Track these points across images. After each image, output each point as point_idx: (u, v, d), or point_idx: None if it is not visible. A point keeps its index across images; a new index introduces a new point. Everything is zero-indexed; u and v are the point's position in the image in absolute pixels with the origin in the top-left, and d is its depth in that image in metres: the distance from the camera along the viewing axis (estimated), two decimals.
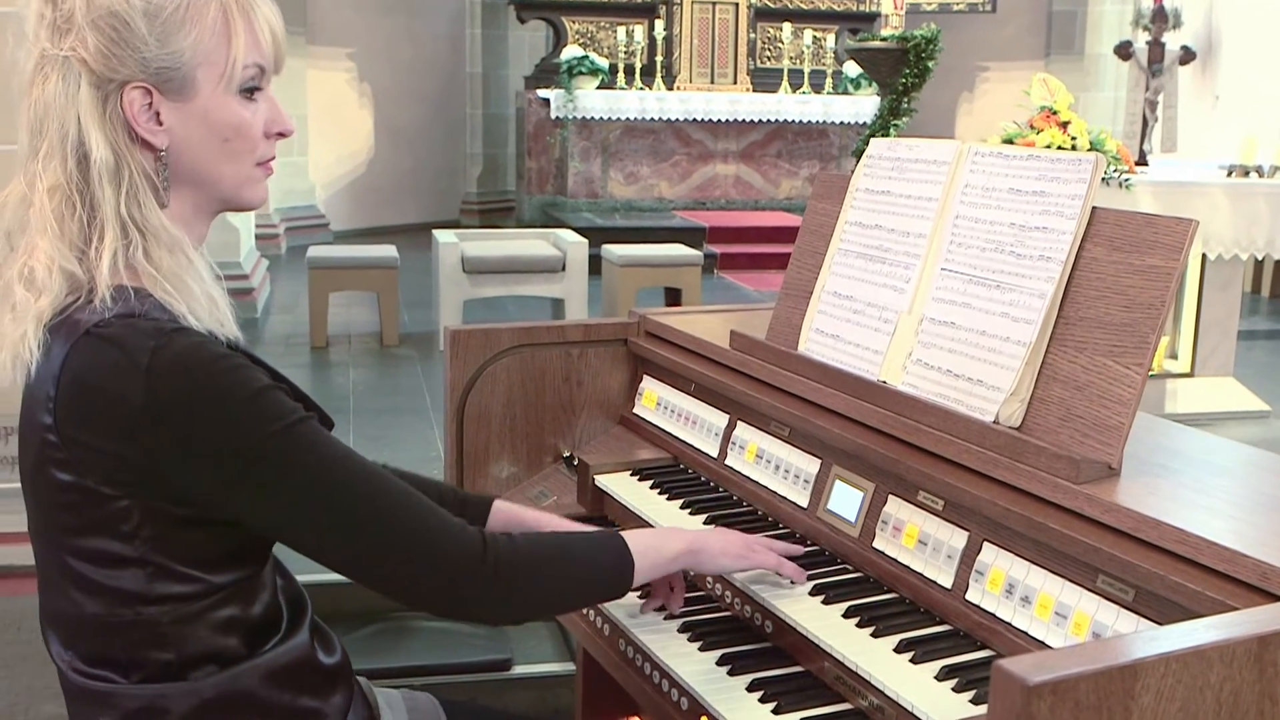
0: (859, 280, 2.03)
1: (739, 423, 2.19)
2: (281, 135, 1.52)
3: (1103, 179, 5.47)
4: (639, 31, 12.35)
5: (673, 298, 7.86)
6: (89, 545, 1.40)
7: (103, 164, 1.39)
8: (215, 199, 1.50)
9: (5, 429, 3.69)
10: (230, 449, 1.35)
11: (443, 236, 7.54)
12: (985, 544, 1.62)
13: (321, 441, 1.41)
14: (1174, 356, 6.27)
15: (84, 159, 1.39)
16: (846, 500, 1.88)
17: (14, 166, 1.47)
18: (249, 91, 1.47)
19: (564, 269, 7.41)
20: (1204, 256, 5.91)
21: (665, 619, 1.86)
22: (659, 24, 12.31)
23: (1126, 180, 5.51)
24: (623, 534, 1.64)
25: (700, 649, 1.77)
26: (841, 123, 12.13)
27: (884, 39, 6.22)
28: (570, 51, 11.99)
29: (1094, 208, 1.69)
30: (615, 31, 12.33)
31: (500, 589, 1.46)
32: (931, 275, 1.89)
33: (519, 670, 3.56)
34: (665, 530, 1.76)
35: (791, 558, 1.80)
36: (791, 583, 1.78)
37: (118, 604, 1.41)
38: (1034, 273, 1.72)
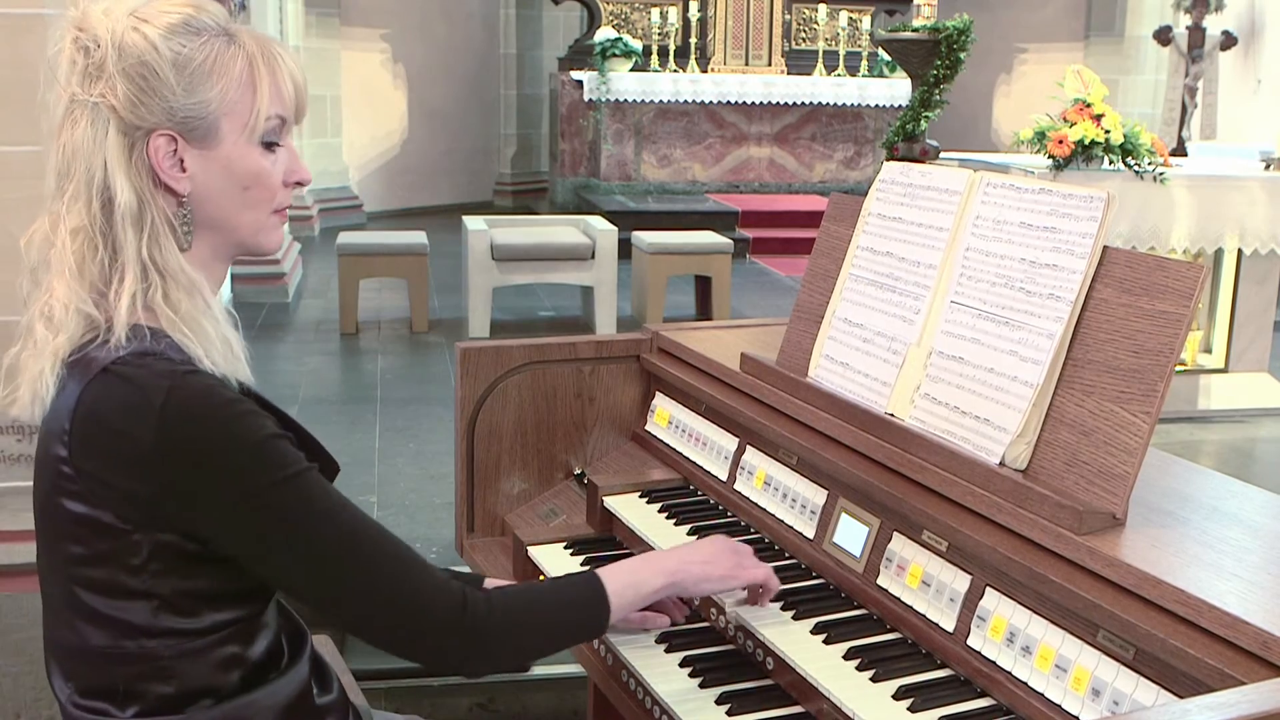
0: (869, 308, 2.00)
1: (748, 447, 2.17)
2: (299, 184, 1.55)
3: (1137, 172, 5.39)
4: (673, 13, 12.28)
5: (703, 285, 7.82)
6: (97, 576, 1.42)
7: (126, 207, 1.41)
8: (233, 243, 1.53)
9: (27, 428, 3.71)
10: (233, 495, 1.39)
11: (472, 223, 7.52)
12: (988, 589, 1.60)
13: (319, 494, 1.44)
14: (1208, 351, 6.17)
15: (109, 202, 1.41)
16: (852, 534, 1.86)
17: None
18: (270, 144, 1.50)
19: (594, 256, 7.40)
20: (1239, 251, 5.80)
21: (666, 651, 1.85)
22: (693, 5, 12.23)
23: (1161, 174, 5.43)
24: (601, 572, 1.65)
25: (700, 685, 1.76)
26: (876, 105, 12.04)
27: (915, 30, 6.13)
28: (604, 33, 11.94)
29: (1105, 247, 1.65)
30: (649, 13, 12.27)
31: (476, 645, 1.50)
32: (941, 307, 1.86)
33: (537, 672, 3.56)
34: (647, 560, 1.75)
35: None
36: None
37: (122, 635, 1.43)
38: (1043, 311, 1.69)
